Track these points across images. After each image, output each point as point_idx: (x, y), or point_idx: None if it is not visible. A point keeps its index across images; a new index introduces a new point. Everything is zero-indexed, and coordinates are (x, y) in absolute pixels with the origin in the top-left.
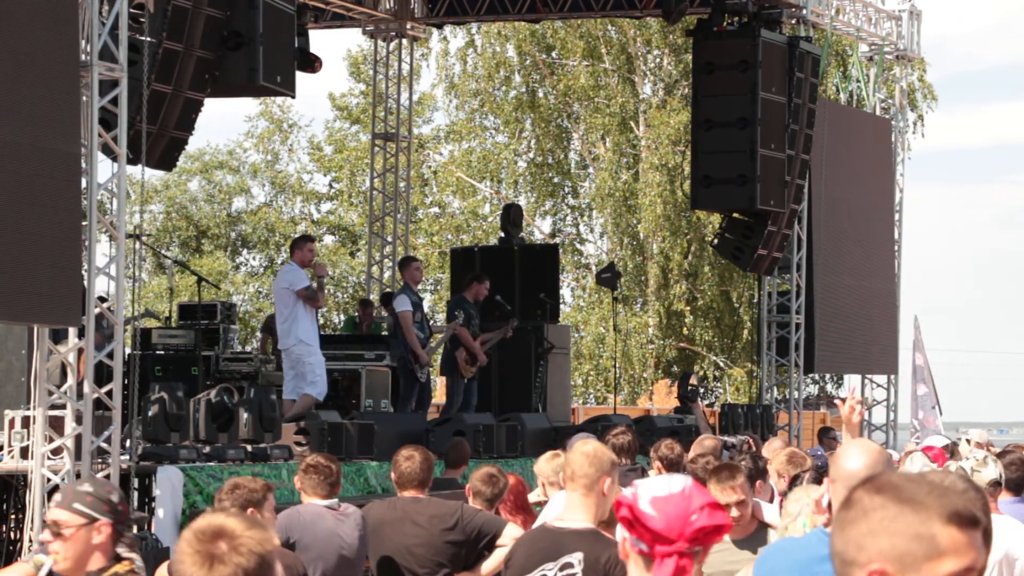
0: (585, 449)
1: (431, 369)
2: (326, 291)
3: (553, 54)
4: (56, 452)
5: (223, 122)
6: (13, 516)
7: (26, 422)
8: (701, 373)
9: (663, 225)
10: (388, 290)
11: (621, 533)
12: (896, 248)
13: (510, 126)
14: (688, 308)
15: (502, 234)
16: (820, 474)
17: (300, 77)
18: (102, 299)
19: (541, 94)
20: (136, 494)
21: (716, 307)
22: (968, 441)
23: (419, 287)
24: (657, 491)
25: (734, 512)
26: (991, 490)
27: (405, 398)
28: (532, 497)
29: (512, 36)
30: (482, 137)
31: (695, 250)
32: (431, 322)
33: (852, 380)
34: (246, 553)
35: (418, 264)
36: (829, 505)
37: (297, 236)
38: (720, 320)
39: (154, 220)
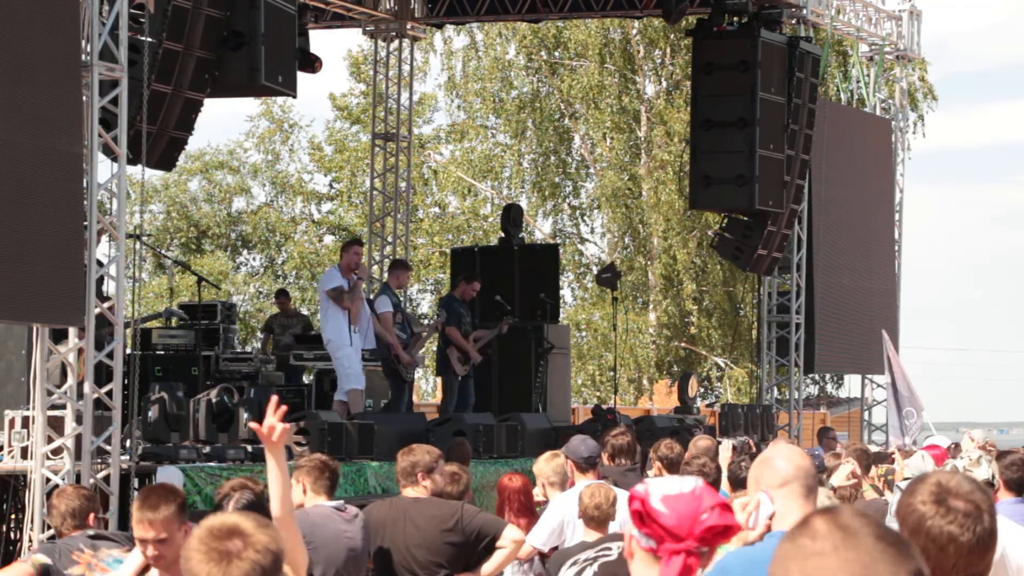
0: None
1: (418, 368)
2: (352, 294)
3: (556, 53)
4: (56, 452)
5: (224, 122)
6: (13, 516)
7: (26, 422)
8: (703, 374)
9: (673, 224)
10: None
11: (628, 530)
12: (896, 248)
13: (512, 126)
14: (695, 308)
15: (502, 234)
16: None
17: (300, 77)
18: (106, 298)
19: (543, 94)
20: (136, 494)
21: (720, 307)
22: (972, 439)
23: (399, 291)
24: (668, 489)
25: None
26: None
27: (396, 399)
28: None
29: (515, 36)
30: (484, 137)
31: (701, 249)
32: (427, 320)
33: (852, 380)
34: (262, 550)
35: (408, 272)
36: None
37: (347, 240)
38: (724, 320)
39: (154, 220)
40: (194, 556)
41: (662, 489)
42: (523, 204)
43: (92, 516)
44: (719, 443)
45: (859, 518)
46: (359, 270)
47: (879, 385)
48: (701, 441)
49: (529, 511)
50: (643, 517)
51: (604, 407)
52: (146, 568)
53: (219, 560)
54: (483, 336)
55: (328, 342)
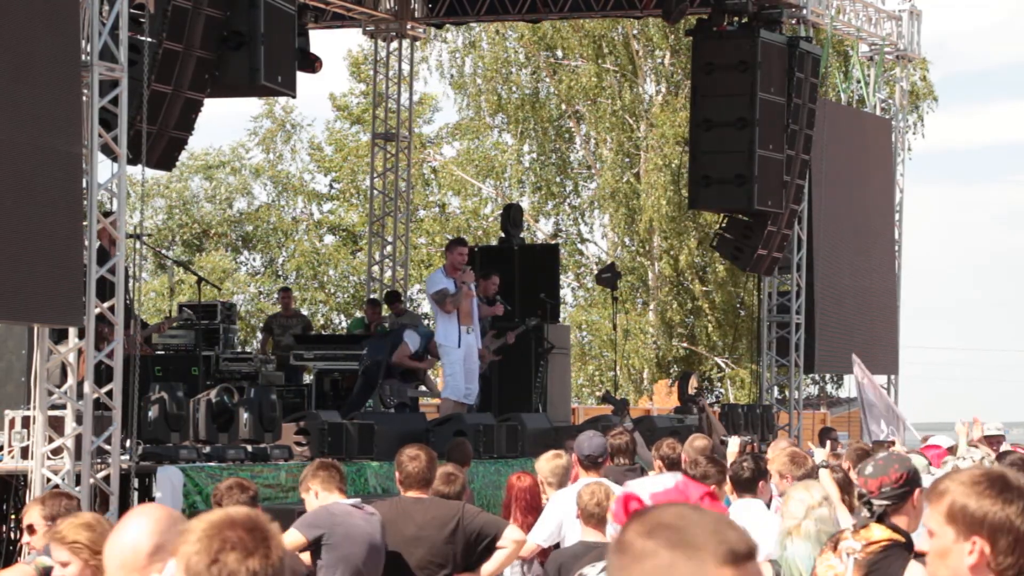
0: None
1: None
2: (456, 297)
3: (558, 52)
4: (56, 452)
5: (227, 122)
6: (13, 516)
7: (26, 422)
8: (706, 373)
9: (667, 225)
10: (389, 289)
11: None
12: (896, 248)
13: (513, 126)
14: (694, 307)
15: (502, 234)
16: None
17: (301, 77)
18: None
19: (544, 94)
20: (136, 494)
21: (721, 307)
22: (967, 436)
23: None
24: (654, 488)
25: None
26: None
27: (355, 403)
28: None
29: (515, 35)
30: (486, 136)
31: (701, 249)
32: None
33: (852, 380)
34: (281, 538)
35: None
36: None
37: (451, 239)
38: (724, 320)
39: (155, 215)
40: (224, 545)
41: (648, 489)
42: (524, 204)
43: None
44: (723, 441)
45: (676, 516)
46: (466, 275)
47: (879, 385)
48: (697, 441)
49: (535, 510)
50: None
51: (619, 398)
52: None
53: (261, 543)
54: (493, 343)
55: (439, 346)
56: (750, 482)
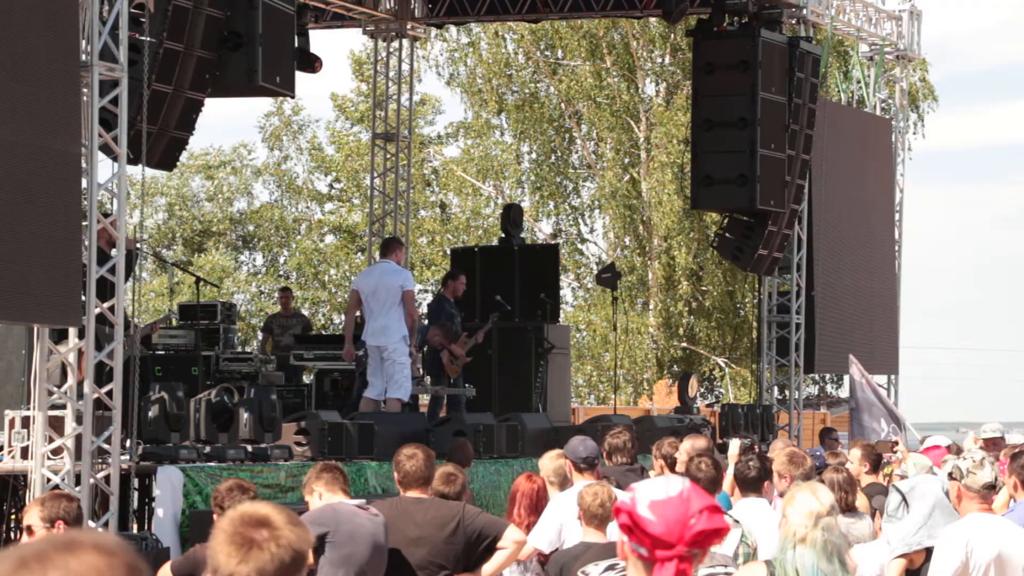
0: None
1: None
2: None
3: (558, 52)
4: (56, 452)
5: (227, 123)
6: (13, 516)
7: (26, 422)
8: (707, 374)
9: (673, 224)
10: None
11: (620, 536)
12: (896, 248)
13: (513, 126)
14: (694, 307)
15: (503, 234)
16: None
17: (303, 77)
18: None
19: (543, 94)
20: (136, 494)
21: (721, 307)
22: (975, 440)
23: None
24: (655, 495)
25: None
26: (985, 493)
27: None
28: None
29: (514, 36)
30: (487, 135)
31: (701, 250)
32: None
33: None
34: (285, 546)
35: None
36: None
37: (388, 237)
38: (724, 320)
39: (155, 213)
40: (219, 536)
41: (649, 494)
42: (524, 204)
43: None
44: (724, 443)
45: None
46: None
47: (879, 385)
48: (699, 441)
49: (539, 513)
50: (632, 529)
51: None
52: None
53: (241, 545)
54: (466, 345)
55: (403, 339)
56: (756, 481)
